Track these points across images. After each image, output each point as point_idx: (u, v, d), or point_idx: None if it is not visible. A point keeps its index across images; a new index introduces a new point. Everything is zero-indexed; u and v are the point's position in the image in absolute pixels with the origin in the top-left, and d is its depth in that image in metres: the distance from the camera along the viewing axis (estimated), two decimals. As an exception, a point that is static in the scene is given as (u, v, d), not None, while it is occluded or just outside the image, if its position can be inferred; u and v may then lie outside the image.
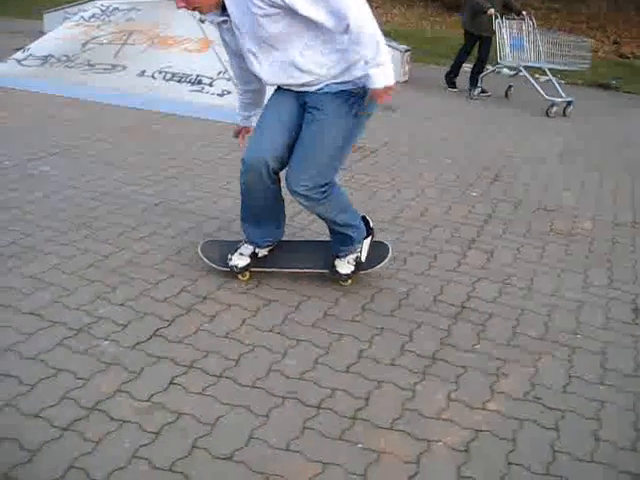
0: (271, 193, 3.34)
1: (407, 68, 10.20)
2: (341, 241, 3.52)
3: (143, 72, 7.84)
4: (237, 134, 3.59)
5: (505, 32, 8.91)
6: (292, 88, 3.14)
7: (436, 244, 4.39)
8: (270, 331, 3.20)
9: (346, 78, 3.03)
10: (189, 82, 7.52)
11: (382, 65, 2.88)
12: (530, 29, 9.37)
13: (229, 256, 3.56)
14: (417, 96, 9.27)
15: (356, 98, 3.07)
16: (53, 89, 7.86)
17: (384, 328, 3.33)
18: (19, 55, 8.69)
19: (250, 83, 3.37)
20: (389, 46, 9.31)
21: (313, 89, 3.07)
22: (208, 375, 2.83)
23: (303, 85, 3.08)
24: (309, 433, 2.54)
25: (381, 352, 3.12)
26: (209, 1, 2.89)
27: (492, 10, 8.92)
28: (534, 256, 4.37)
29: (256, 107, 3.50)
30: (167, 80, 7.66)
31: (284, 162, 3.23)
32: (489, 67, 9.76)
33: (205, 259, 3.63)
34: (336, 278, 3.61)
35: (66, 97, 7.62)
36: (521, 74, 9.44)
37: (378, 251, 3.71)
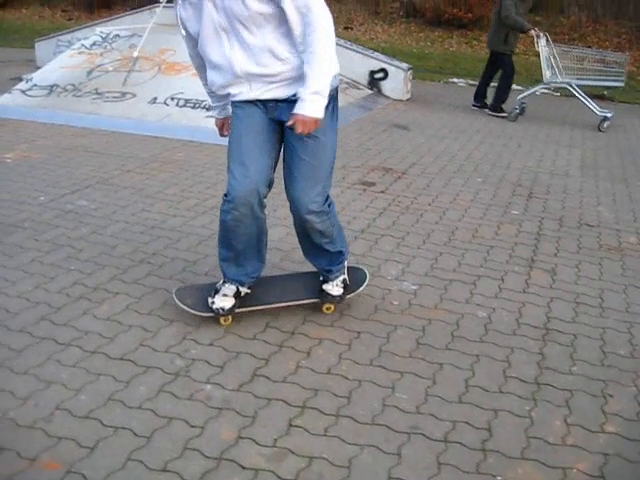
0: (260, 224, 3.19)
1: (409, 86, 10.09)
2: (332, 261, 3.42)
3: (155, 99, 7.71)
4: (221, 128, 3.41)
5: (549, 51, 8.85)
6: (259, 96, 2.97)
7: (498, 265, 4.34)
8: (370, 364, 3.12)
9: None
10: (204, 108, 7.39)
11: (320, 94, 2.80)
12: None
13: (210, 299, 3.32)
14: (424, 114, 9.23)
15: (331, 99, 2.98)
16: (63, 119, 7.72)
17: (479, 355, 3.29)
18: (23, 85, 8.53)
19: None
20: (391, 64, 9.31)
21: (283, 95, 2.95)
22: (325, 414, 2.73)
23: (271, 82, 2.93)
24: (446, 469, 2.47)
25: (486, 379, 3.08)
26: None
27: (535, 30, 8.88)
28: (594, 273, 4.35)
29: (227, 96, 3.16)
30: (181, 107, 7.54)
31: (271, 185, 3.13)
32: (529, 87, 9.68)
33: (183, 306, 3.35)
34: (328, 302, 3.53)
35: (77, 127, 7.46)
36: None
37: (355, 275, 3.67)
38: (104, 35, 9.45)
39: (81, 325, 3.31)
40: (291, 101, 2.92)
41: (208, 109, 7.43)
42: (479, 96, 9.73)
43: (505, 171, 6.53)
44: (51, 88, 8.42)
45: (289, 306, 3.53)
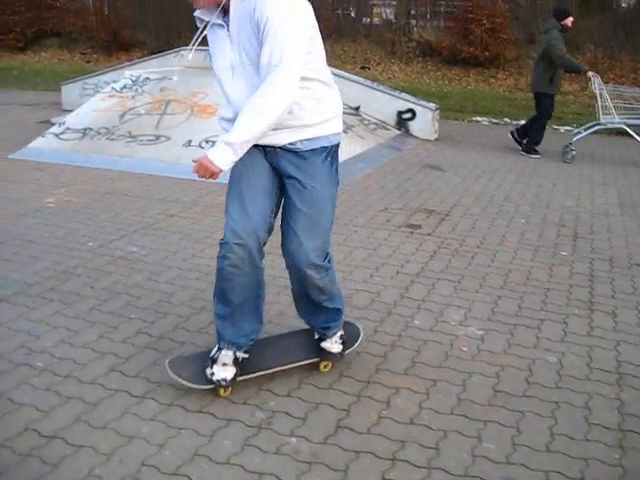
0: (258, 274, 3.06)
1: (437, 126, 10.10)
2: (329, 318, 3.28)
3: (189, 142, 7.72)
4: None
5: (604, 92, 8.86)
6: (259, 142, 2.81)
7: (558, 308, 4.32)
8: (451, 413, 3.06)
9: (319, 132, 2.89)
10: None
11: (230, 146, 2.67)
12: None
13: (209, 370, 3.08)
14: (455, 153, 9.23)
15: (330, 152, 2.95)
16: (98, 162, 7.73)
17: (558, 402, 3.24)
18: (56, 129, 8.56)
19: None
20: (418, 104, 9.32)
21: (278, 142, 2.86)
22: (416, 467, 2.69)
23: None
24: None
25: (569, 427, 3.02)
26: None
27: (592, 71, 8.90)
28: (657, 314, 4.20)
29: None
30: (216, 149, 7.49)
31: (271, 230, 3.04)
32: (582, 130, 9.68)
33: (179, 379, 3.10)
34: (329, 360, 3.38)
35: (113, 170, 7.48)
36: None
37: (349, 331, 3.51)
38: (134, 78, 9.50)
39: (153, 376, 3.24)
40: (288, 150, 2.87)
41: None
42: (521, 133, 9.68)
43: (546, 211, 6.49)
44: (84, 131, 8.44)
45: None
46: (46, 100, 13.93)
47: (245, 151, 2.69)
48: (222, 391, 3.11)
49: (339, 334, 3.34)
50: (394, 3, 26.71)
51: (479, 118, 12.93)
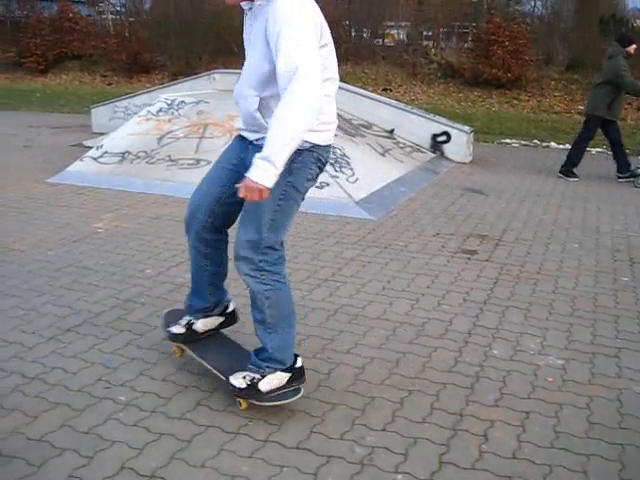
0: (205, 254, 3.33)
1: (472, 149, 10.04)
2: (257, 350, 3.19)
3: (230, 166, 7.63)
4: None
5: None
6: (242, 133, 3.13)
7: (632, 336, 4.28)
8: (551, 447, 2.95)
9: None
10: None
11: (268, 161, 2.69)
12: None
13: (170, 326, 3.52)
14: (492, 177, 9.20)
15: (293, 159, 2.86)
16: (139, 187, 7.70)
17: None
18: (94, 153, 8.54)
19: None
20: (453, 127, 9.27)
21: (254, 136, 3.04)
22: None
23: (250, 127, 3.06)
24: None
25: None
26: None
27: None
28: None
29: None
30: (259, 173, 7.44)
31: (216, 217, 3.23)
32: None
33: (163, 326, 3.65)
34: (227, 386, 3.21)
35: (156, 194, 7.44)
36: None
37: (285, 395, 3.21)
38: (169, 102, 9.49)
39: (242, 411, 3.14)
40: (256, 145, 2.97)
41: (287, 175, 7.33)
42: (624, 166, 9.55)
43: (597, 236, 6.41)
44: (123, 155, 8.42)
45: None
46: (74, 123, 13.95)
47: (285, 161, 2.71)
48: (176, 351, 3.62)
49: (252, 376, 3.14)
50: (405, 24, 26.78)
51: (508, 140, 12.85)
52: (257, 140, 3.00)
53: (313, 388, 3.40)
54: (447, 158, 10.11)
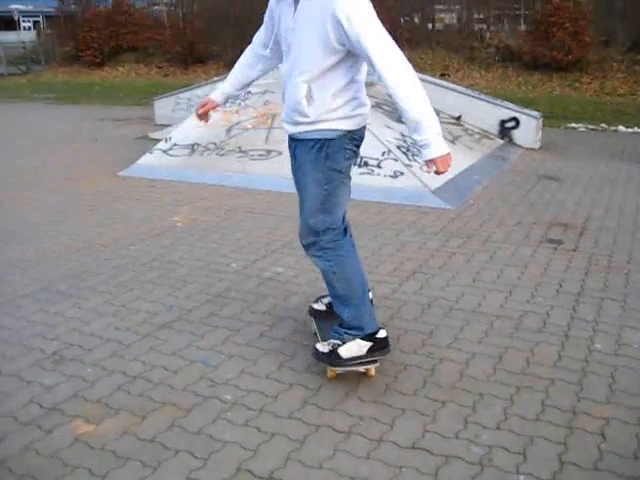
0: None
1: (540, 135, 9.84)
2: (338, 323, 3.41)
3: (302, 156, 7.57)
4: (202, 106, 3.59)
5: None
6: (284, 123, 3.33)
7: None
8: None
9: (326, 126, 3.14)
10: (356, 164, 7.21)
11: (434, 132, 2.98)
12: None
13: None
14: (565, 163, 9.00)
15: (323, 144, 3.17)
16: (212, 179, 7.71)
17: None
18: (163, 145, 8.55)
19: (264, 48, 3.42)
20: (522, 113, 9.07)
21: (296, 129, 3.21)
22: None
23: (291, 117, 3.23)
24: None
25: None
26: None
27: None
28: None
29: (242, 85, 3.61)
30: (330, 163, 7.37)
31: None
32: None
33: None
34: (313, 354, 3.43)
35: (229, 186, 7.43)
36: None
37: (357, 359, 3.36)
38: (235, 93, 9.41)
39: (351, 409, 3.13)
40: (299, 140, 3.24)
41: (360, 165, 7.28)
42: None
43: (685, 224, 6.17)
44: (192, 147, 8.42)
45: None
46: (135, 115, 14.05)
47: (437, 121, 2.98)
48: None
49: (333, 342, 3.36)
50: (457, 7, 26.44)
51: (574, 124, 12.56)
52: (300, 134, 3.21)
53: (419, 385, 3.34)
54: (516, 144, 9.91)
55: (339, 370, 3.35)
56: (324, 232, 3.26)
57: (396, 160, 7.31)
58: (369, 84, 9.13)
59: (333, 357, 3.30)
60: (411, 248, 5.36)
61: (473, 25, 24.52)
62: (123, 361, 3.60)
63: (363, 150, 7.27)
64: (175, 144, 8.55)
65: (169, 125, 10.96)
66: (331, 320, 3.56)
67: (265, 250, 5.29)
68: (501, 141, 9.93)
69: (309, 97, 3.09)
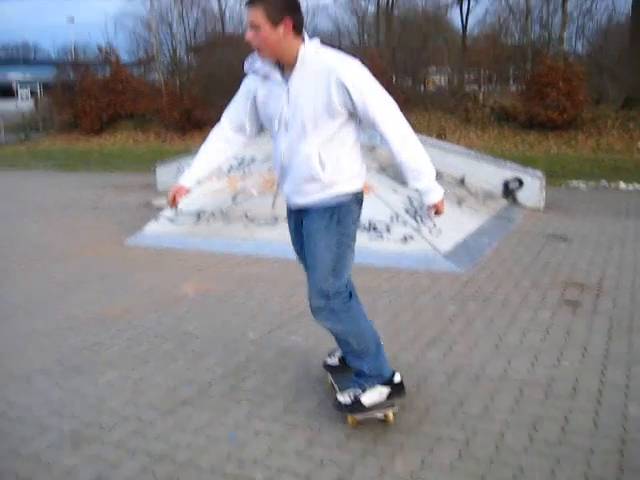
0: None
1: (544, 194, 9.85)
2: (355, 372, 3.55)
3: (309, 222, 7.53)
4: (175, 193, 3.56)
5: None
6: (290, 197, 3.43)
7: None
8: None
9: (338, 190, 3.29)
10: (363, 229, 7.22)
11: (432, 180, 3.33)
12: None
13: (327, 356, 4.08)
14: (571, 222, 9.00)
15: (334, 209, 3.31)
16: (220, 246, 7.65)
17: None
18: (169, 213, 8.50)
19: (237, 132, 3.53)
20: (525, 173, 9.09)
21: (307, 200, 3.33)
22: None
23: (300, 188, 3.34)
24: None
25: None
26: (272, 53, 3.18)
27: None
28: None
29: (211, 170, 3.69)
30: (339, 228, 7.32)
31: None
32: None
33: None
34: (335, 406, 3.56)
35: (239, 254, 7.35)
36: None
37: (378, 405, 3.53)
38: (239, 159, 9.47)
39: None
40: (312, 210, 3.37)
41: (369, 230, 7.25)
42: None
43: (700, 284, 6.12)
44: (198, 214, 8.38)
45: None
46: (136, 182, 14.07)
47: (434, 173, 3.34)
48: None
49: (355, 391, 3.49)
50: (446, 70, 26.89)
51: (575, 182, 12.60)
52: (312, 204, 3.35)
53: (455, 457, 3.23)
54: (520, 204, 9.90)
55: (360, 417, 3.48)
56: (334, 296, 3.35)
57: (405, 224, 7.27)
58: (371, 148, 9.16)
59: (356, 406, 3.44)
60: (429, 314, 5.28)
61: (464, 86, 24.85)
62: (146, 440, 3.48)
63: (372, 214, 7.30)
64: (181, 211, 8.49)
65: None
66: (346, 371, 3.70)
67: (281, 319, 5.19)
68: (505, 201, 9.91)
69: (322, 163, 3.22)
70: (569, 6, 24.27)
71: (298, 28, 3.13)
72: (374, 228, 7.28)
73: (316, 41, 3.22)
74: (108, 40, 34.61)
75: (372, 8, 32.39)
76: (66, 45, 42.44)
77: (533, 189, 9.91)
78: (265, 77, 3.29)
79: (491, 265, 6.72)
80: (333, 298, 3.36)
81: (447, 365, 4.32)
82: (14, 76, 48.02)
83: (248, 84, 3.42)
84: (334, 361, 3.94)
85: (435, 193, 3.32)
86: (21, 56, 61.97)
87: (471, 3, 28.18)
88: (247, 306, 5.57)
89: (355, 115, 3.20)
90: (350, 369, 3.62)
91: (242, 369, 4.35)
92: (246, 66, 3.36)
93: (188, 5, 30.33)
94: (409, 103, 23.11)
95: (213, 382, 4.17)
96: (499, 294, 5.75)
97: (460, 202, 8.93)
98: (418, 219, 7.49)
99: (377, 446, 3.36)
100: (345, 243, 3.35)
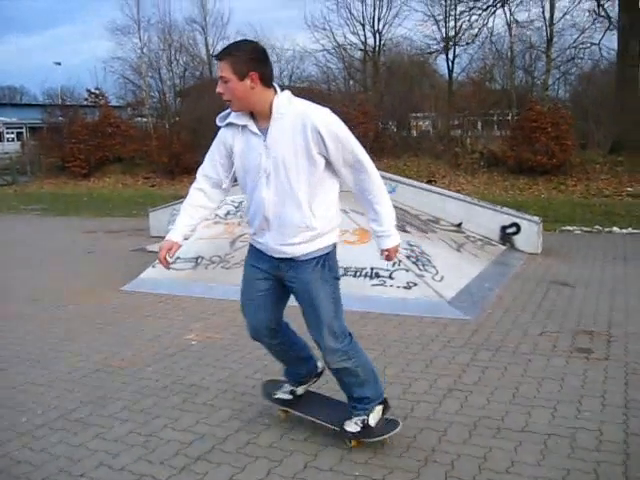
0: (284, 345, 3.90)
1: (541, 239, 9.83)
2: (358, 400, 3.72)
3: (311, 268, 7.44)
4: (168, 250, 3.69)
5: None
6: (275, 248, 3.50)
7: None
8: None
9: (328, 241, 3.49)
10: (365, 276, 7.16)
11: (395, 227, 3.55)
12: None
13: (274, 392, 4.11)
14: (571, 268, 9.03)
15: (325, 257, 3.50)
16: (220, 293, 7.55)
17: None
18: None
19: (214, 187, 3.63)
20: (522, 218, 9.07)
21: (296, 251, 3.45)
22: None
23: (285, 238, 3.44)
24: None
25: None
26: (243, 105, 3.31)
27: None
28: None
29: (196, 225, 3.81)
30: (341, 275, 7.23)
31: (279, 319, 3.83)
32: None
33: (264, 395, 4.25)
34: (343, 435, 3.78)
35: (237, 300, 7.17)
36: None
37: (387, 426, 3.79)
38: (236, 204, 9.42)
39: None
40: (292, 261, 3.50)
41: (371, 277, 7.17)
42: None
43: None
44: (196, 260, 8.30)
45: None
46: (128, 226, 13.98)
47: None
48: (281, 413, 4.22)
49: (362, 418, 3.70)
50: (430, 115, 27.10)
51: (569, 227, 12.62)
52: (303, 255, 3.49)
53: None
54: (518, 249, 9.86)
55: (372, 440, 3.74)
56: (341, 337, 3.56)
57: (407, 271, 7.20)
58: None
59: (367, 431, 3.70)
60: (441, 363, 5.19)
61: (449, 131, 25.02)
62: (163, 500, 3.31)
63: (373, 261, 7.21)
64: (179, 257, 8.39)
65: (164, 237, 10.80)
66: (321, 401, 4.15)
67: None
68: (503, 247, 9.87)
69: (313, 212, 3.38)
70: (552, 53, 24.50)
71: (266, 80, 3.26)
72: (377, 275, 7.20)
73: (287, 92, 3.35)
74: (97, 83, 34.69)
75: (359, 54, 32.58)
76: (53, 88, 42.48)
77: (530, 234, 9.89)
78: (241, 129, 3.38)
79: (497, 312, 6.65)
80: (343, 340, 3.57)
81: (466, 417, 4.24)
82: (0, 119, 48.01)
83: (222, 137, 3.50)
84: (287, 395, 4.11)
85: (393, 239, 3.54)
86: (7, 99, 61.97)
87: (456, 50, 28.32)
88: (253, 355, 5.47)
89: (330, 163, 3.34)
90: (314, 396, 4.15)
91: (257, 422, 4.28)
92: (218, 121, 3.47)
93: (177, 51, 30.38)
94: (397, 148, 23.25)
95: (228, 437, 4.09)
96: (509, 342, 5.68)
97: (459, 248, 8.88)
98: (420, 265, 7.40)
99: None
100: (338, 287, 3.59)
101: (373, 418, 3.71)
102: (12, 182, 28.20)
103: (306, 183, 3.31)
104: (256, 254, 3.64)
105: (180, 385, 4.88)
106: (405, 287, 7.05)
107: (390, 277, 7.20)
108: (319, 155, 3.28)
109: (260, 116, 3.32)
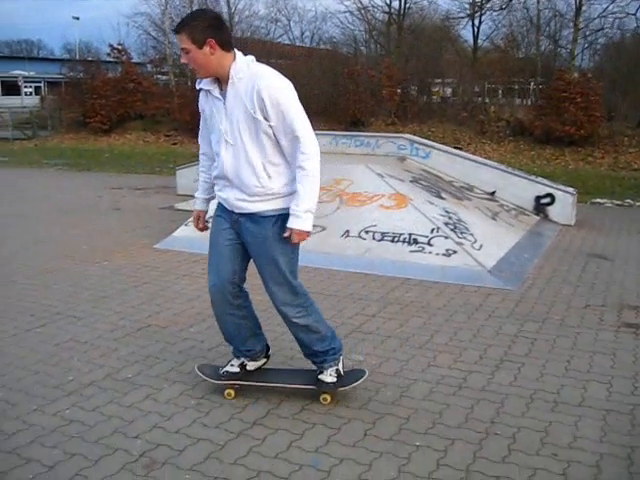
0: (239, 312, 3.91)
1: (576, 211, 9.68)
2: (325, 353, 3.86)
3: (347, 232, 7.42)
4: (197, 219, 4.06)
5: None
6: (235, 204, 3.62)
7: None
8: None
9: (284, 204, 3.55)
10: (404, 242, 7.07)
11: (310, 212, 3.50)
12: None
13: (220, 369, 4.09)
14: (607, 240, 8.92)
15: (285, 219, 3.53)
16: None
17: None
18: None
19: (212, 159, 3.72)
20: (557, 189, 8.93)
21: (253, 207, 3.55)
22: None
23: (244, 195, 3.55)
24: None
25: None
26: (207, 72, 3.44)
27: None
28: None
29: (212, 186, 3.84)
30: (378, 240, 7.21)
31: (242, 281, 3.88)
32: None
33: (203, 375, 4.14)
34: (322, 390, 3.91)
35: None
36: None
37: (356, 373, 4.03)
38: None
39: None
40: (251, 216, 3.58)
41: (410, 243, 7.08)
42: None
43: None
44: (231, 220, 8.14)
45: None
46: (154, 184, 13.92)
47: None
48: (226, 394, 4.11)
49: (334, 368, 3.88)
50: (452, 81, 26.77)
51: (600, 200, 12.45)
52: (261, 212, 3.59)
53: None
54: (552, 221, 9.72)
55: (347, 388, 3.95)
56: (297, 293, 3.74)
57: (446, 238, 7.11)
58: (401, 159, 8.99)
59: (341, 380, 3.89)
60: (488, 333, 5.13)
61: (472, 98, 24.71)
62: (222, 465, 3.32)
63: (411, 227, 7.12)
64: (211, 216, 8.26)
65: (192, 195, 10.74)
66: (284, 371, 4.33)
67: (339, 334, 4.98)
68: (536, 217, 9.74)
69: (267, 173, 3.48)
70: (580, 22, 24.08)
71: (225, 45, 3.37)
72: (415, 241, 7.12)
73: (250, 57, 3.46)
74: (120, 39, 34.37)
75: (383, 16, 32.15)
76: (71, 43, 42.20)
77: (565, 205, 9.75)
78: (208, 94, 3.53)
79: (538, 283, 6.56)
80: (302, 295, 3.77)
81: (521, 390, 4.20)
82: (19, 73, 47.79)
83: (200, 101, 3.67)
84: (235, 368, 4.10)
85: (301, 222, 3.47)
86: (25, 53, 61.67)
87: (482, 17, 27.87)
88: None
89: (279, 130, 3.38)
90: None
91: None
92: (197, 85, 3.64)
93: (200, 7, 30.03)
94: (422, 114, 23.00)
95: (282, 402, 4.02)
96: (554, 314, 5.61)
97: (494, 217, 8.77)
98: (458, 233, 7.31)
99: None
100: (297, 247, 3.66)
101: (341, 367, 3.90)
102: (32, 136, 28.09)
103: (259, 146, 3.42)
104: (222, 207, 3.75)
105: (226, 347, 4.80)
106: (444, 254, 6.98)
107: (429, 244, 7.13)
108: (265, 120, 3.35)
109: (223, 80, 3.44)
